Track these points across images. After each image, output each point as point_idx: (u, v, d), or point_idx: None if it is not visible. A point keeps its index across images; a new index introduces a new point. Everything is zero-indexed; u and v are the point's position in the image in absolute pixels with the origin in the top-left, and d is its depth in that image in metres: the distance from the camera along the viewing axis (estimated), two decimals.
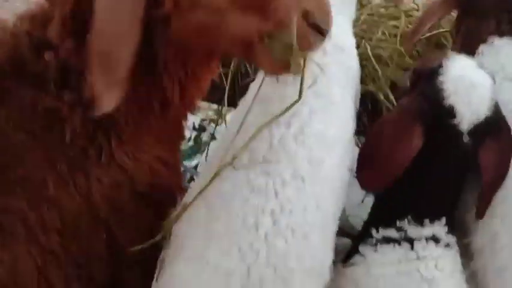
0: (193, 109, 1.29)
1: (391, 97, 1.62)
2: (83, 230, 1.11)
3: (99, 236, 1.13)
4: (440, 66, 1.19)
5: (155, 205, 1.18)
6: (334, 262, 1.14)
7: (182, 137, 1.37)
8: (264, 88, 1.15)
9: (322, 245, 1.08)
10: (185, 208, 1.06)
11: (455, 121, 1.14)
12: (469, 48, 1.34)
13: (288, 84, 1.10)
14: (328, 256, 1.10)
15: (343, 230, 1.30)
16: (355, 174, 1.20)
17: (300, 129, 1.11)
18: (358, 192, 1.42)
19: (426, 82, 1.20)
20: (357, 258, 1.16)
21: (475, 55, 1.32)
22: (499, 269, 1.13)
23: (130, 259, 1.13)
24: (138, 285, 1.18)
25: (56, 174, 1.06)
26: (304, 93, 1.04)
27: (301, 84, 1.03)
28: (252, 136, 1.06)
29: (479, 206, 1.18)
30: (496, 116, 1.18)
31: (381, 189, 1.21)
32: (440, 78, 1.17)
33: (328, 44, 1.09)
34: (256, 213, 1.02)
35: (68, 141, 1.06)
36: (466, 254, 1.20)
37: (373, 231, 1.17)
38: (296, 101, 1.05)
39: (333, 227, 1.13)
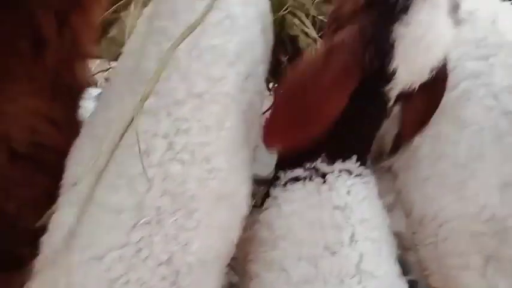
0: (85, 55, 1.13)
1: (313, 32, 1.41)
2: None
3: None
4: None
5: (49, 171, 1.01)
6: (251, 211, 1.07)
7: (79, 90, 1.17)
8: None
9: (231, 171, 0.98)
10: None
11: (388, 87, 0.99)
12: None
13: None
14: (242, 185, 1.01)
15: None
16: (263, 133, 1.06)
17: (193, 44, 0.98)
18: None
19: (379, 23, 0.97)
20: (268, 201, 1.08)
21: None
22: (421, 180, 1.09)
23: (25, 235, 0.97)
24: None
25: None
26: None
27: None
28: (161, 63, 0.95)
29: (393, 145, 1.12)
30: (435, 75, 1.03)
31: (294, 147, 1.05)
32: (399, 27, 0.95)
33: None
34: (146, 138, 0.90)
35: None
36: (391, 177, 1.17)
37: (281, 174, 1.08)
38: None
39: (245, 154, 1.03)
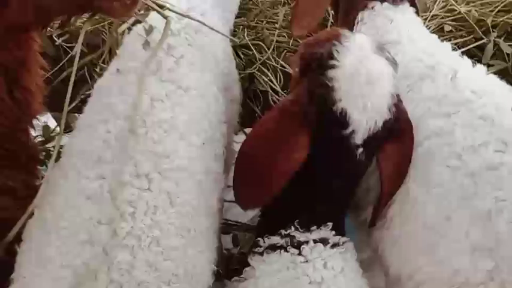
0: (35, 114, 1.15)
1: (277, 87, 1.51)
2: None
3: None
4: (330, 52, 1.00)
5: None
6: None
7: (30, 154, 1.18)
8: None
9: (186, 247, 0.97)
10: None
11: (347, 131, 1.00)
12: (350, 16, 1.29)
13: None
14: (202, 256, 1.01)
15: None
16: (233, 190, 1.08)
17: (141, 121, 0.98)
18: None
19: (314, 74, 1.02)
20: (247, 271, 1.08)
21: (355, 24, 1.27)
22: (393, 240, 1.10)
23: None
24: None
25: None
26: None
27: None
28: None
29: (374, 213, 1.12)
30: (397, 116, 1.04)
31: (260, 206, 1.11)
32: (330, 71, 0.99)
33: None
34: (89, 227, 0.90)
35: None
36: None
37: (260, 241, 1.08)
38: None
39: (206, 222, 1.03)
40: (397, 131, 1.06)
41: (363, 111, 0.99)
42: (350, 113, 0.99)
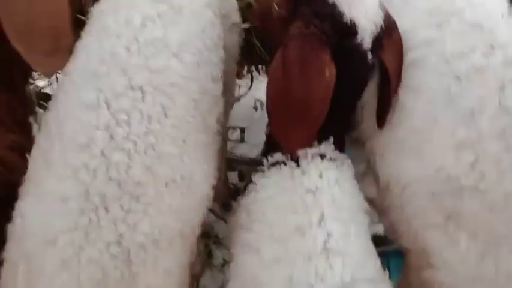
0: None
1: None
2: None
3: None
4: None
5: None
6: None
7: None
8: None
9: (182, 156, 1.02)
10: None
11: (359, 38, 1.04)
12: None
13: None
14: (198, 168, 1.05)
15: None
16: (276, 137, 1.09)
17: (132, 38, 1.02)
18: None
19: (310, 2, 1.04)
20: (250, 186, 1.13)
21: None
22: (382, 148, 1.13)
23: None
24: None
25: None
26: None
27: None
28: None
29: (382, 112, 1.13)
30: (386, 16, 1.09)
31: (310, 144, 1.09)
32: None
33: None
34: (87, 132, 0.96)
35: None
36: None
37: (264, 160, 1.12)
38: None
39: (202, 138, 1.07)
40: (387, 28, 1.09)
41: (366, 16, 1.03)
42: (357, 21, 1.02)
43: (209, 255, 1.67)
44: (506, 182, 0.97)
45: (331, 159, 1.09)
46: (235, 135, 2.08)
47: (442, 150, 1.04)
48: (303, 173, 1.06)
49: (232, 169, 1.86)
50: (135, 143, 0.96)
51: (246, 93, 1.98)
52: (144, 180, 0.96)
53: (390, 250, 1.44)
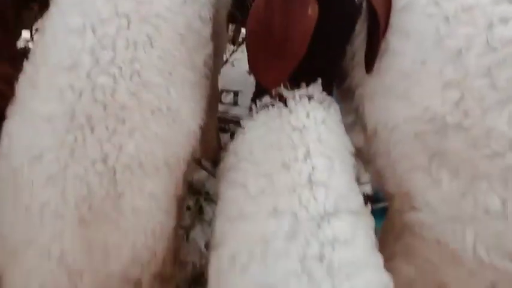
0: None
1: None
2: None
3: None
4: None
5: None
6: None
7: None
8: None
9: (168, 87, 1.02)
10: None
11: None
12: None
13: None
14: (184, 102, 1.06)
15: None
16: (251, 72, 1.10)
17: None
18: None
19: None
20: (238, 131, 1.13)
21: None
22: (372, 94, 1.14)
23: None
24: None
25: None
26: None
27: None
28: None
29: (370, 57, 1.12)
30: None
31: (285, 79, 1.10)
32: None
33: None
34: (73, 55, 0.97)
35: None
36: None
37: (253, 106, 1.13)
38: None
39: (188, 74, 1.08)
40: None
41: None
42: None
43: (200, 211, 1.70)
44: (489, 118, 0.97)
45: (318, 100, 1.10)
46: (228, 98, 2.12)
47: (429, 90, 1.04)
48: (290, 112, 1.07)
49: (225, 131, 1.89)
50: (120, 68, 0.98)
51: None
52: (129, 104, 0.97)
53: (377, 208, 1.47)
